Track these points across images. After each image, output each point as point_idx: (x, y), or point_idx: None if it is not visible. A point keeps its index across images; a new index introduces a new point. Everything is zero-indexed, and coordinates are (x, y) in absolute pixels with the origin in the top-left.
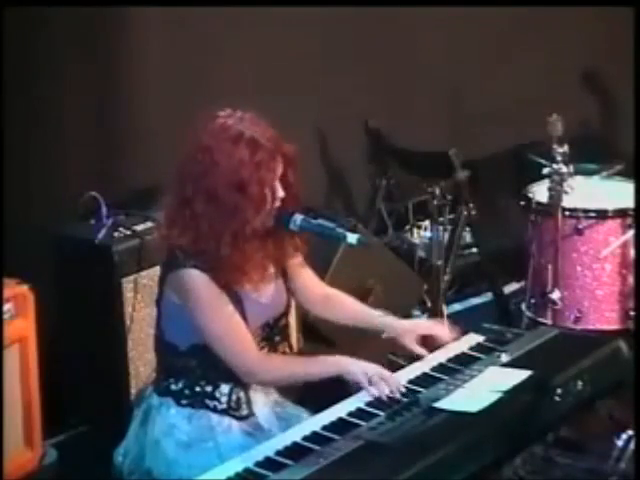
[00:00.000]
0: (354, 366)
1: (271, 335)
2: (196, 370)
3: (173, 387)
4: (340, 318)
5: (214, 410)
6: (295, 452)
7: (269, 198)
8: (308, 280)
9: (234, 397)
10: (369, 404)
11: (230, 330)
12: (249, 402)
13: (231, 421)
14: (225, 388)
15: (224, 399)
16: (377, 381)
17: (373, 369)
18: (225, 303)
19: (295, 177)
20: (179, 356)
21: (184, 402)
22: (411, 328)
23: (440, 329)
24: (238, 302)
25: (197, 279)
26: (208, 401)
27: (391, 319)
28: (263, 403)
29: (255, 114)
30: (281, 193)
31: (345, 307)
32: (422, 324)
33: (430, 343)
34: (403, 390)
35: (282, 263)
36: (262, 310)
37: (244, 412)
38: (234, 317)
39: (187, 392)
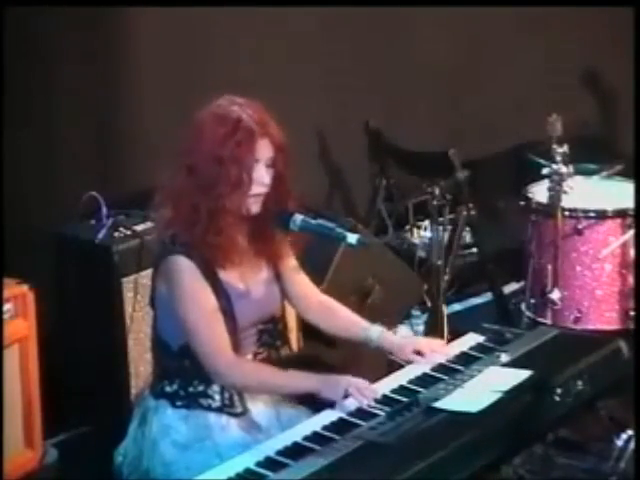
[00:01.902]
0: (326, 386)
1: (271, 340)
2: (189, 370)
3: (168, 389)
4: (335, 328)
5: (209, 408)
6: (295, 452)
7: (246, 179)
8: (304, 286)
9: (227, 394)
10: (369, 404)
11: (206, 324)
12: (242, 399)
13: (228, 419)
14: (217, 386)
15: (217, 397)
16: (353, 392)
17: (346, 383)
18: (207, 296)
19: (285, 164)
20: (172, 357)
21: (179, 403)
22: (409, 342)
23: (438, 348)
24: (225, 298)
25: (182, 265)
26: (202, 400)
27: (389, 333)
28: (261, 401)
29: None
30: (265, 178)
31: (341, 318)
32: (421, 341)
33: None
34: (378, 397)
35: (274, 261)
36: (253, 306)
37: (238, 409)
38: (214, 314)
39: (182, 393)
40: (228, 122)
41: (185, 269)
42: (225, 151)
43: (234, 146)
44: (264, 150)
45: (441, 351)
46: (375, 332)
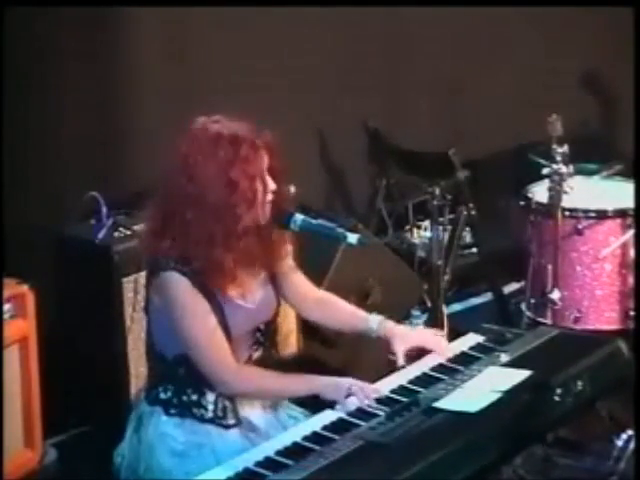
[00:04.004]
0: (329, 387)
1: (263, 339)
2: (183, 378)
3: (162, 396)
4: (335, 322)
5: (201, 419)
6: (295, 452)
7: (260, 191)
8: (301, 284)
9: (220, 405)
10: (370, 404)
11: (206, 338)
12: (235, 410)
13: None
14: (211, 396)
15: (210, 407)
16: (356, 392)
17: (348, 385)
18: (204, 310)
19: (281, 164)
20: (167, 365)
21: (172, 411)
22: (409, 336)
23: (437, 346)
24: (219, 310)
25: (177, 282)
26: (195, 410)
27: (390, 323)
28: (260, 405)
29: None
30: (272, 185)
31: (340, 311)
32: (422, 337)
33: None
34: (379, 396)
35: (272, 266)
36: (248, 316)
37: (230, 421)
38: (211, 325)
39: (175, 401)
40: (225, 141)
41: (180, 286)
42: (235, 171)
43: (242, 163)
44: (265, 159)
45: (439, 350)
46: (375, 322)
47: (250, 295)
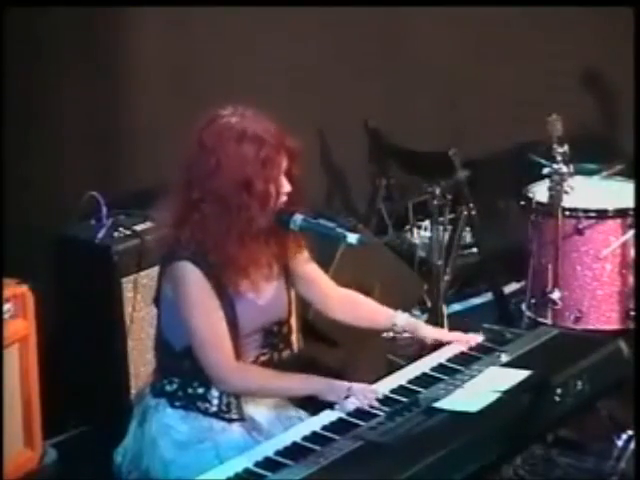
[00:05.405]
0: (327, 389)
1: (274, 342)
2: (189, 371)
3: (168, 388)
4: (360, 321)
5: (205, 413)
6: (295, 452)
7: (274, 194)
8: (319, 281)
9: (225, 400)
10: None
11: (210, 333)
12: (239, 406)
13: (224, 422)
14: (216, 391)
15: (215, 402)
16: (355, 393)
17: (347, 388)
18: (213, 303)
19: (299, 170)
20: (174, 356)
21: (177, 404)
22: (434, 329)
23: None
24: (230, 305)
25: (189, 272)
26: (200, 403)
27: (414, 319)
28: (263, 403)
29: (257, 111)
30: (287, 187)
31: (366, 309)
32: (446, 333)
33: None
34: (379, 396)
35: (284, 261)
36: (259, 312)
37: (234, 416)
38: (218, 320)
39: (180, 393)
40: (248, 141)
41: (192, 276)
42: (252, 172)
43: (260, 165)
44: (284, 162)
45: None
46: (402, 319)
47: (262, 291)
